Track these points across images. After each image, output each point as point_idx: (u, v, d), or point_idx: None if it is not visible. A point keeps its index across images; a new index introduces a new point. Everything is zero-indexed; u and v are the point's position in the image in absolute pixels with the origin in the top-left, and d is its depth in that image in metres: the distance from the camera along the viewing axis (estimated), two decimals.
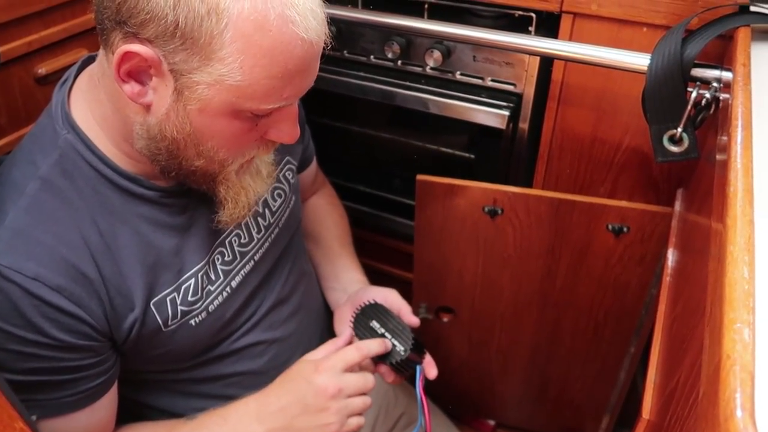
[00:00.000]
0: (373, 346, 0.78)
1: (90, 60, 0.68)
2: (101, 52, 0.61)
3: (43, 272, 0.59)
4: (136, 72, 0.57)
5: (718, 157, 0.59)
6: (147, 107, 0.59)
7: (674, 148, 0.78)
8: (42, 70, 0.90)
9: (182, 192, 0.69)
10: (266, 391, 0.74)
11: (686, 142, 0.77)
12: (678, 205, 0.87)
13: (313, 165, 1.00)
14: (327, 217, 1.04)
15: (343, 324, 0.87)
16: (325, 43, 0.60)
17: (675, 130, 0.77)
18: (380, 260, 1.32)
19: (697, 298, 0.50)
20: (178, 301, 0.70)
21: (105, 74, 0.61)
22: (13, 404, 0.44)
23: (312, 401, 0.71)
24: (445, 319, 1.18)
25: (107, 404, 0.69)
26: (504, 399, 1.31)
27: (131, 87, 0.57)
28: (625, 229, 0.94)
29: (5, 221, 0.60)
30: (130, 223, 0.66)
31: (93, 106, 0.64)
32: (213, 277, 0.73)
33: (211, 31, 0.53)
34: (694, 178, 0.84)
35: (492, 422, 1.42)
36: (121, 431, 0.73)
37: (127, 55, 0.55)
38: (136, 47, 0.54)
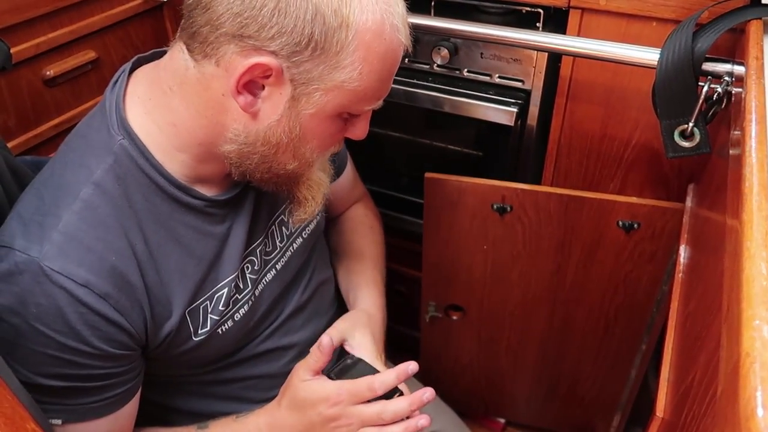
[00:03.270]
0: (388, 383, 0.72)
1: (141, 62, 0.67)
2: (183, 60, 0.61)
3: (92, 279, 0.59)
4: (252, 82, 0.58)
5: (732, 152, 0.58)
6: (253, 115, 0.61)
7: (685, 143, 0.77)
8: (50, 72, 0.91)
9: (224, 202, 0.70)
10: (274, 407, 0.74)
11: (697, 137, 0.76)
12: (689, 201, 0.86)
13: (349, 173, 0.98)
14: (363, 238, 1.00)
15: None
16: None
17: (686, 125, 0.76)
18: (389, 259, 1.32)
19: (712, 295, 0.49)
20: (209, 310, 0.70)
21: (186, 82, 0.61)
22: (26, 405, 0.44)
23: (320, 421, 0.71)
24: (455, 318, 1.18)
25: (129, 412, 0.69)
26: (514, 397, 1.30)
27: (245, 98, 0.59)
28: (635, 226, 0.93)
29: (59, 225, 0.59)
30: (175, 232, 0.66)
31: (158, 113, 0.63)
32: (242, 286, 0.73)
33: (341, 42, 0.56)
34: (706, 173, 0.83)
35: (502, 420, 1.41)
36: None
37: (254, 67, 0.57)
38: (265, 59, 0.56)
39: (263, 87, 0.59)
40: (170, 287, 0.66)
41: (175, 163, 0.65)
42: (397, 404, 0.70)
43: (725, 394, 0.30)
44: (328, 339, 0.71)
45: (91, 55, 0.96)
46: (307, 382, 0.71)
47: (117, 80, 0.66)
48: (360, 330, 0.82)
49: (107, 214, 0.61)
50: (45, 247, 0.58)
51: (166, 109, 0.63)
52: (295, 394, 0.71)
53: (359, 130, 0.68)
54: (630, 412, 1.21)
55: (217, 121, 0.62)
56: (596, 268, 1.00)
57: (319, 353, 0.70)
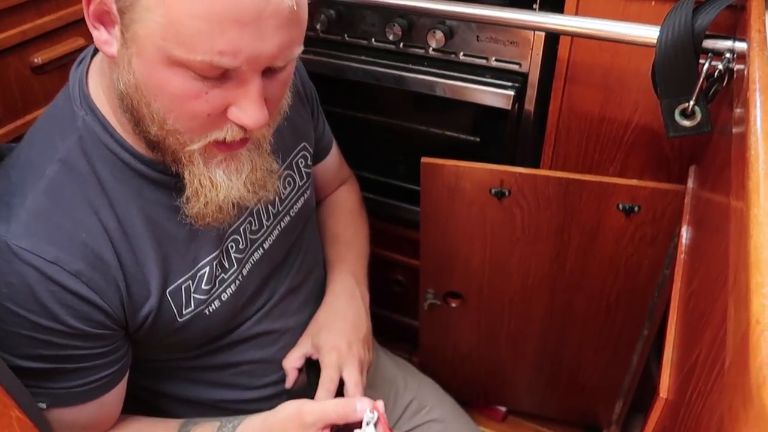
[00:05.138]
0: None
1: None
2: None
3: (62, 256, 0.57)
4: (100, 14, 0.54)
5: (735, 130, 0.57)
6: (112, 59, 0.56)
7: (686, 123, 0.75)
8: (38, 59, 0.89)
9: None
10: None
11: (699, 116, 0.75)
12: (691, 182, 0.85)
13: (334, 155, 0.96)
14: (338, 223, 0.97)
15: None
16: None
17: (687, 104, 0.74)
18: (386, 248, 1.31)
19: (716, 272, 0.48)
20: (192, 290, 0.68)
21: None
22: (10, 392, 0.43)
23: None
24: (454, 305, 1.17)
25: (116, 398, 0.68)
26: (515, 385, 1.29)
27: (99, 34, 0.55)
28: (636, 209, 0.91)
29: (25, 204, 0.58)
30: (146, 210, 0.64)
31: (105, 84, 0.61)
32: (227, 266, 0.72)
33: None
34: (708, 153, 0.81)
35: (503, 409, 1.40)
36: (122, 427, 0.72)
37: None
38: None
39: (114, 24, 0.54)
40: (147, 266, 0.64)
41: (135, 138, 0.62)
42: None
43: (734, 365, 0.28)
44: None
45: (80, 42, 0.94)
46: None
47: (82, 59, 0.65)
48: (322, 336, 0.80)
49: (74, 192, 0.60)
50: (12, 226, 0.57)
51: (106, 78, 0.61)
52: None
53: (243, 114, 0.55)
54: (632, 399, 1.20)
55: (114, 79, 0.57)
56: (596, 253, 0.98)
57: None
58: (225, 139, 0.58)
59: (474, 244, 1.05)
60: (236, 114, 0.56)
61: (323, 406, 0.65)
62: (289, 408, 0.66)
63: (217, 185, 0.60)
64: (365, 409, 0.63)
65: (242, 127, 0.57)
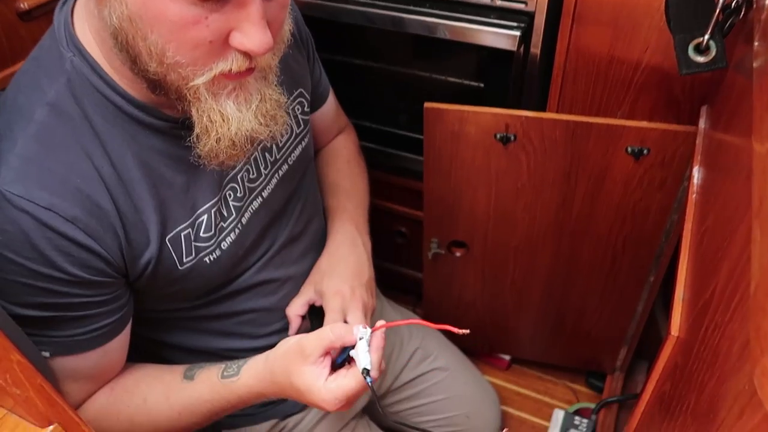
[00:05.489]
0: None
1: None
2: None
3: (57, 202, 0.56)
4: None
5: (756, 63, 0.54)
6: None
7: (700, 58, 0.72)
8: (24, 4, 0.86)
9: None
10: (266, 383, 0.68)
11: (713, 51, 0.72)
12: (703, 123, 0.82)
13: (331, 103, 0.94)
14: (338, 172, 0.95)
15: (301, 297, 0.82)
16: None
17: (701, 38, 0.71)
18: (388, 199, 1.29)
19: (732, 208, 0.46)
20: (192, 237, 0.67)
21: None
22: (11, 337, 0.42)
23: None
24: (458, 254, 1.16)
25: (119, 346, 0.68)
26: (519, 334, 1.30)
27: None
28: (645, 152, 0.89)
29: (15, 149, 0.56)
30: (141, 156, 0.62)
31: (93, 24, 0.58)
32: (225, 214, 0.71)
33: None
34: (721, 91, 0.79)
35: (507, 357, 1.41)
36: (126, 374, 0.72)
37: None
38: None
39: None
40: (145, 213, 0.63)
41: (129, 81, 0.59)
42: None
43: (761, 286, 0.27)
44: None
45: None
46: (318, 386, 0.63)
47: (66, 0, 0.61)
48: (325, 282, 0.80)
49: (66, 136, 0.58)
50: (3, 172, 0.55)
51: (92, 16, 0.57)
52: (299, 383, 0.64)
53: (247, 39, 0.53)
54: (637, 346, 1.21)
55: (104, 16, 0.54)
56: (603, 198, 0.97)
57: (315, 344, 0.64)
58: (231, 70, 0.55)
59: (478, 192, 1.03)
60: (239, 39, 0.53)
61: (320, 332, 0.64)
62: (290, 341, 0.66)
63: (228, 119, 0.57)
64: (359, 327, 0.64)
65: (247, 55, 0.55)
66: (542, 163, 0.95)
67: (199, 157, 0.61)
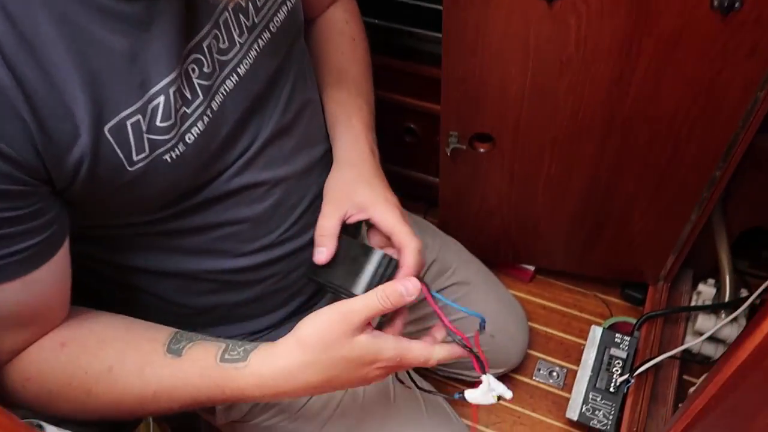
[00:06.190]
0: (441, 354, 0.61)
1: None
2: None
3: None
4: None
5: None
6: None
7: None
8: None
9: None
10: (293, 363, 0.55)
11: None
12: None
13: None
14: (343, 54, 0.79)
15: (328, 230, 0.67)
16: None
17: None
18: (394, 90, 1.09)
19: None
20: (144, 128, 0.50)
21: None
22: None
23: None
24: (482, 150, 0.97)
25: (50, 278, 0.51)
26: (549, 242, 1.14)
27: None
28: (736, 5, 0.68)
29: None
30: (58, 8, 0.44)
31: None
32: (189, 96, 0.53)
33: None
34: None
35: (531, 268, 1.27)
36: (85, 328, 0.56)
37: None
38: None
39: None
40: (68, 91, 0.45)
41: None
42: (440, 353, 0.60)
43: None
44: None
45: None
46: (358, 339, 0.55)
47: None
48: (367, 192, 0.67)
49: None
50: None
51: None
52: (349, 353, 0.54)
53: None
54: (687, 255, 1.05)
55: None
56: (672, 72, 0.77)
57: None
58: None
59: (511, 69, 0.82)
60: None
61: (365, 299, 0.55)
62: (328, 312, 0.55)
63: None
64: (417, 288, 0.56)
65: None
66: (597, 26, 0.74)
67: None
